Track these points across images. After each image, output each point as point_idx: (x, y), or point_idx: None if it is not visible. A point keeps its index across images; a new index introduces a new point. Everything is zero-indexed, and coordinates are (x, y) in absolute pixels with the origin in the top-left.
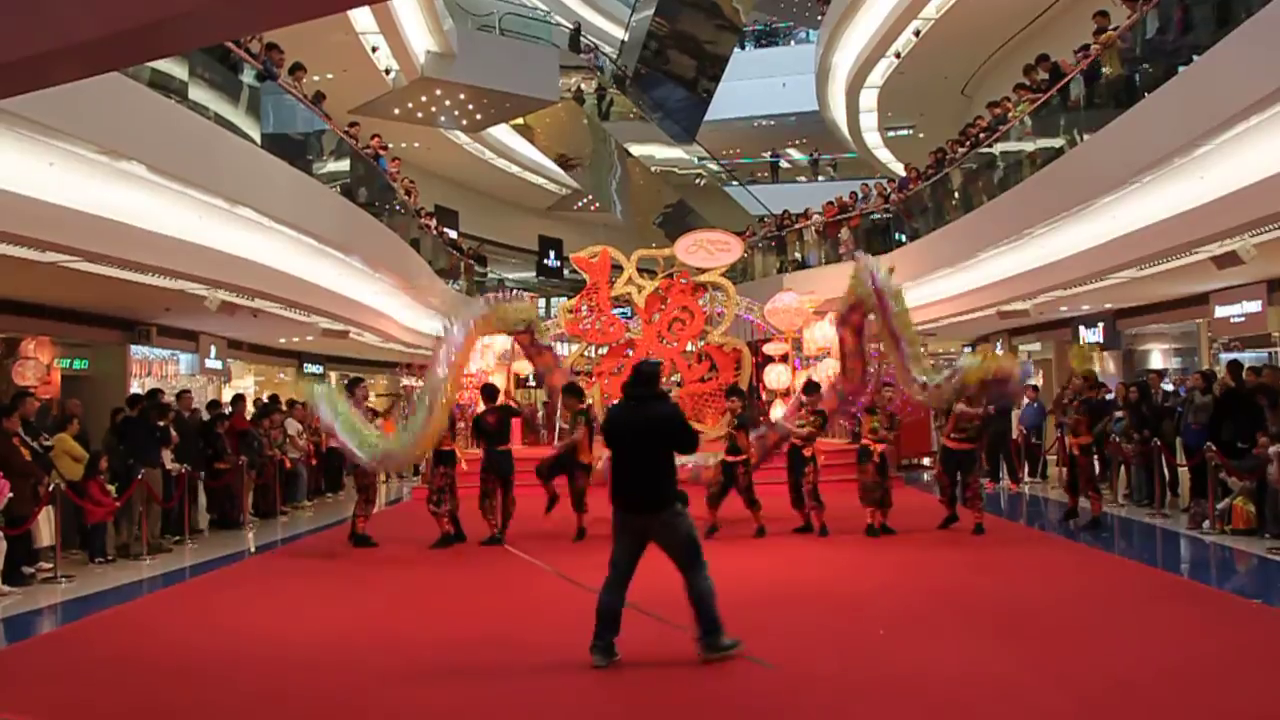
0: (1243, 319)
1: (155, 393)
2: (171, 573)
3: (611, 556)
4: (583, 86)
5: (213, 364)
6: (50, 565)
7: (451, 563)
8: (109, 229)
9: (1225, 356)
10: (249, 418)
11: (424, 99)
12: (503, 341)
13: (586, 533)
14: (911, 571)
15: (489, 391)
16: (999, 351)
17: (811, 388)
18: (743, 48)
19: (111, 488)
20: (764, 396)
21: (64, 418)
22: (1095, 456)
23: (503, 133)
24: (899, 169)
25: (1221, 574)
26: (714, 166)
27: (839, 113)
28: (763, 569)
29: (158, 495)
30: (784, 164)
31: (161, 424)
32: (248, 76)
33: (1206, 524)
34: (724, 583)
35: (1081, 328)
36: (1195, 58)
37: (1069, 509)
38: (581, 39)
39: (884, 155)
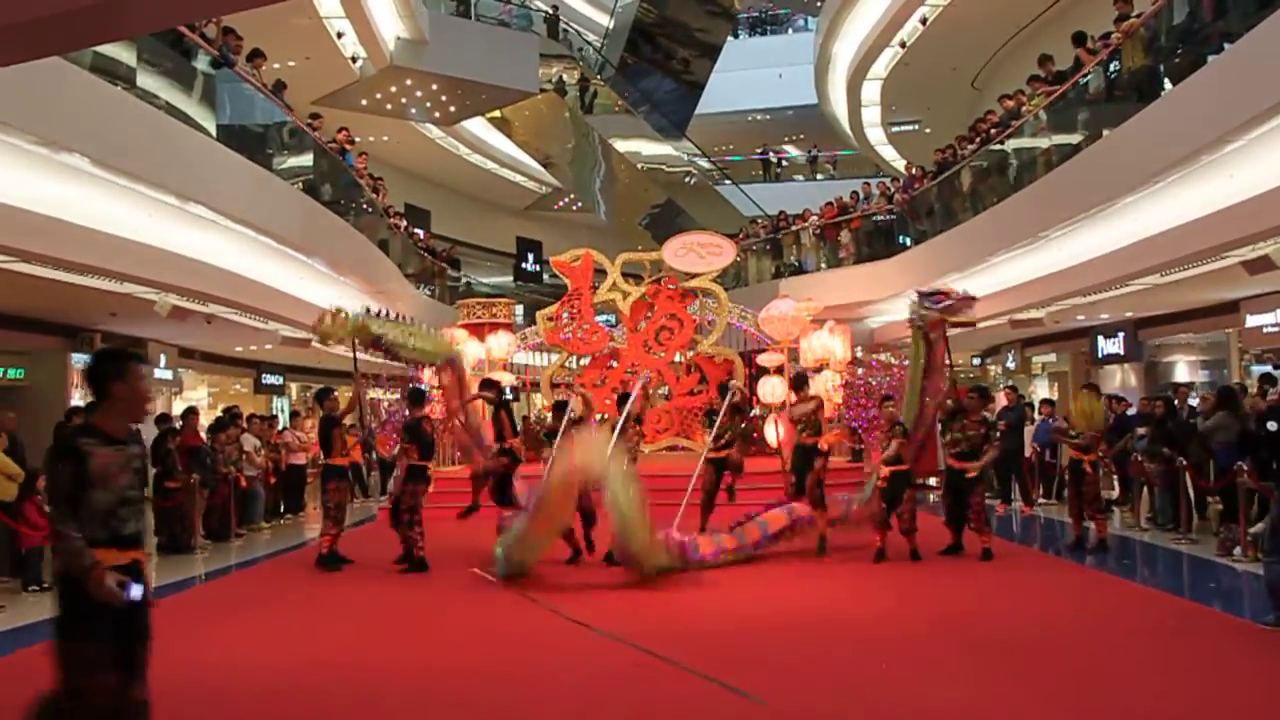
0: (1276, 329)
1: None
2: None
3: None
4: (564, 77)
5: (163, 374)
6: None
7: (415, 588)
8: (48, 226)
9: (1257, 369)
10: (202, 433)
11: (394, 89)
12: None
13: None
14: (915, 598)
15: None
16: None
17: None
18: (736, 36)
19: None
20: (757, 410)
21: None
22: (1115, 475)
23: (478, 126)
24: (903, 167)
25: (1255, 604)
26: (705, 164)
27: (839, 106)
28: (758, 595)
29: None
30: (780, 161)
31: None
32: (202, 63)
33: (1238, 550)
34: (715, 610)
35: (1100, 337)
36: (1226, 45)
37: (1076, 538)
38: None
39: (888, 152)
